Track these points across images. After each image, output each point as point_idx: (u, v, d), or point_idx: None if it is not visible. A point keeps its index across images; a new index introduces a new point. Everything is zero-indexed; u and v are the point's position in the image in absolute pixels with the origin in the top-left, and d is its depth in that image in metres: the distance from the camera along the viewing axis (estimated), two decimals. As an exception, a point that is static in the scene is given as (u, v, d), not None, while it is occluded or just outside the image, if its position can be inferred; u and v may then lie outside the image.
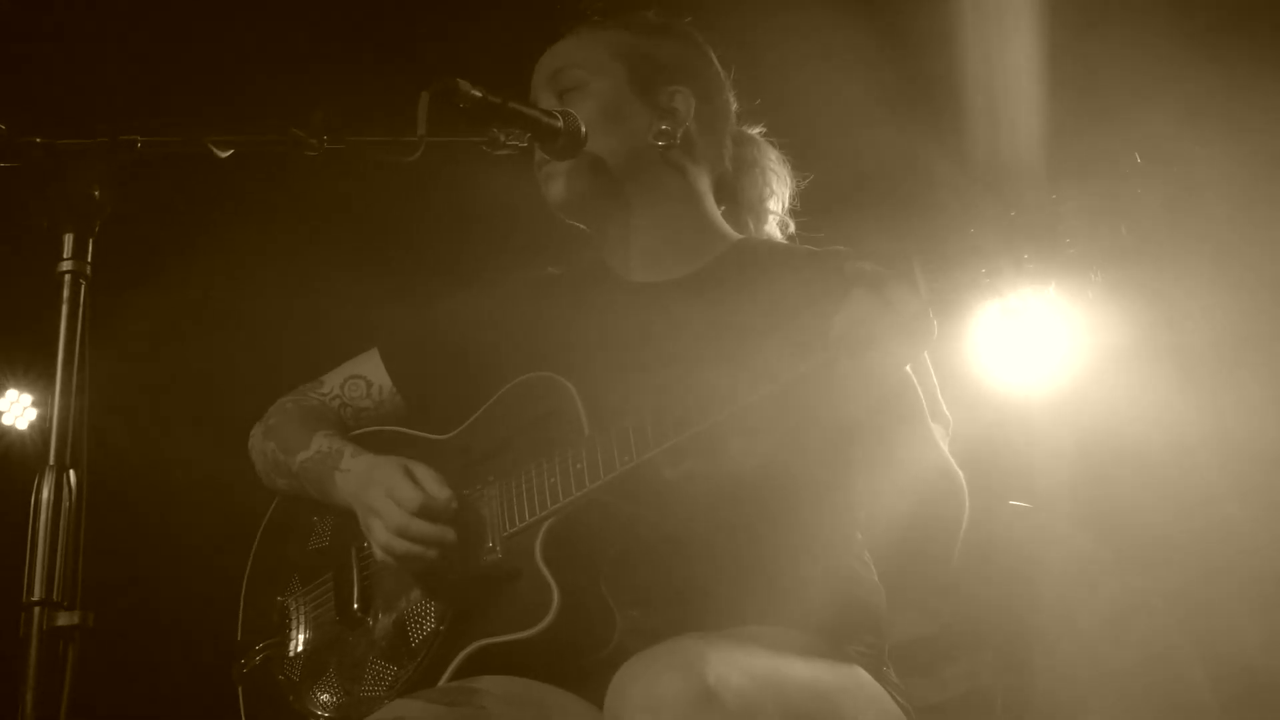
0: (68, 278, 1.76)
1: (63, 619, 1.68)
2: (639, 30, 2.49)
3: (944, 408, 2.28)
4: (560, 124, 2.28)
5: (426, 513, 2.21)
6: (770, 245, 2.49)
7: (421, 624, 2.26)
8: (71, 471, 1.72)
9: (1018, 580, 2.59)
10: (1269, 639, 3.63)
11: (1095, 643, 3.36)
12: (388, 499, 2.23)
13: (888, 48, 3.77)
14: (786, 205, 2.60)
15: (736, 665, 1.86)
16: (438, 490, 2.23)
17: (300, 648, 2.41)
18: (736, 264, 2.41)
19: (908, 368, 2.04)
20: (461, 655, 2.16)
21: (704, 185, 2.48)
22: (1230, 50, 3.45)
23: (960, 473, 2.16)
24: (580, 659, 2.14)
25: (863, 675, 2.13)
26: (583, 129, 2.31)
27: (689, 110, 2.44)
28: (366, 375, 2.56)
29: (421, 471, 2.26)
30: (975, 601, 2.61)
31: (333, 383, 2.57)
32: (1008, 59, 3.54)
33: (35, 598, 1.68)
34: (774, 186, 2.58)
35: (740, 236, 2.50)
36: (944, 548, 2.16)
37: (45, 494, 1.71)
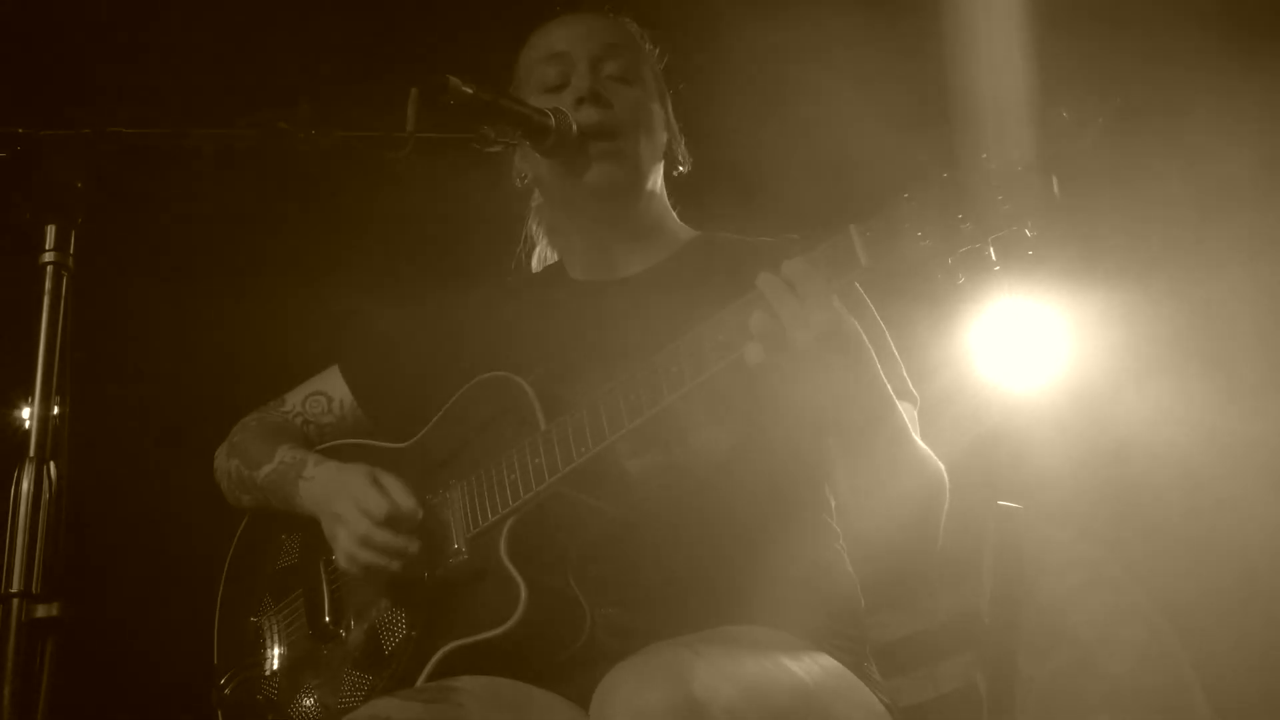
0: (50, 269, 1.76)
1: (41, 611, 1.68)
2: (666, 46, 2.52)
3: (910, 385, 2.28)
4: (552, 122, 2.27)
5: (392, 522, 2.22)
6: (725, 240, 2.50)
7: (393, 631, 2.27)
8: (52, 464, 1.72)
9: (1009, 580, 2.57)
10: (1265, 646, 3.61)
11: (1088, 646, 3.35)
12: (354, 508, 2.24)
13: (894, 59, 3.76)
14: None
15: (723, 674, 1.85)
16: (404, 500, 2.24)
17: (276, 665, 2.41)
18: (692, 259, 2.43)
19: (873, 352, 2.03)
20: (434, 659, 2.16)
21: (663, 185, 2.51)
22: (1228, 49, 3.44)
23: (937, 459, 2.16)
24: (554, 654, 2.14)
25: (848, 675, 2.12)
26: (574, 127, 2.29)
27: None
28: (327, 391, 2.57)
29: (389, 481, 2.27)
30: (968, 599, 2.60)
31: (294, 400, 2.59)
32: (1008, 68, 3.52)
33: (13, 590, 1.68)
34: None
35: (696, 233, 2.52)
36: (928, 538, 2.15)
37: (25, 486, 1.71)
